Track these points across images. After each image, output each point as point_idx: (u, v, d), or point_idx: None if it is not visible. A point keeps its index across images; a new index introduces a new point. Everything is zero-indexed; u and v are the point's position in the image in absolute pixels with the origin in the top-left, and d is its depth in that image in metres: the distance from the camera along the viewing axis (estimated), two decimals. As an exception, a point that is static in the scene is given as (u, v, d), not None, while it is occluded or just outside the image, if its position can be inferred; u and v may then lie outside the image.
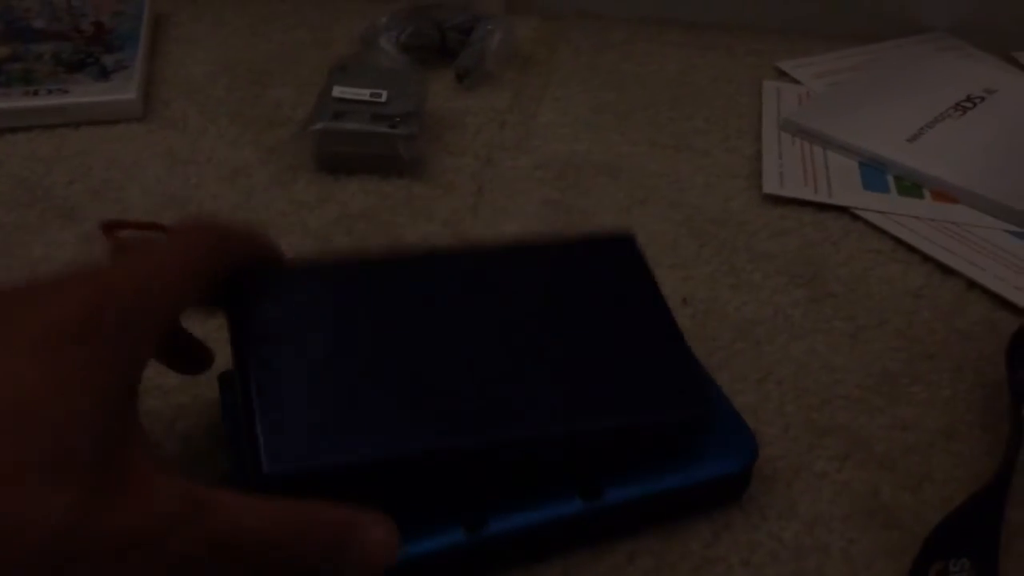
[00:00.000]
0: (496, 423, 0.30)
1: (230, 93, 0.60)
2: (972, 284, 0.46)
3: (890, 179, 0.54)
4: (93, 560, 0.21)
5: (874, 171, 0.54)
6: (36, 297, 0.24)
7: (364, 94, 0.54)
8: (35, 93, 0.55)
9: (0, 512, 0.20)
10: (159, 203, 0.50)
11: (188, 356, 0.34)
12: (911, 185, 0.53)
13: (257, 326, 0.31)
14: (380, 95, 0.53)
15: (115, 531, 0.22)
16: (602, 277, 0.35)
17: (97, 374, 0.23)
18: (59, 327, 0.23)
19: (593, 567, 0.33)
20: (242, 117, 0.57)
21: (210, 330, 0.34)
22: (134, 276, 0.26)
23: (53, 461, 0.21)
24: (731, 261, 0.48)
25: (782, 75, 0.65)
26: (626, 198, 0.52)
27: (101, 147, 0.54)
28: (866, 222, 0.50)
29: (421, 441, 0.29)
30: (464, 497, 0.31)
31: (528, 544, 0.32)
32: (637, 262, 0.36)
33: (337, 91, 0.54)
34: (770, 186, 0.52)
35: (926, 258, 0.48)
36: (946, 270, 0.47)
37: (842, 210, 0.51)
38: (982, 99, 0.59)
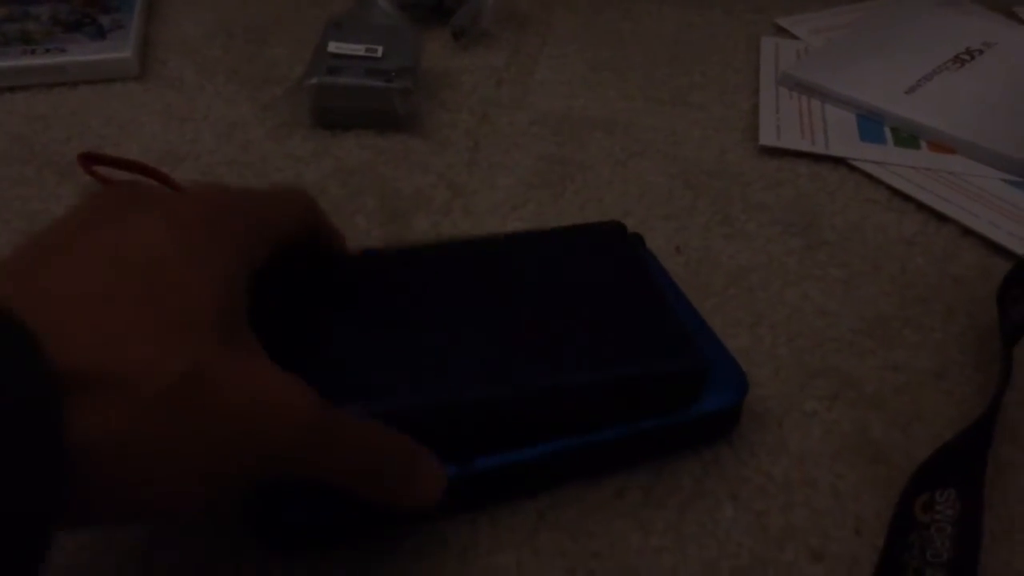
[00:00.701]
0: (497, 379, 0.31)
1: (227, 52, 0.60)
2: (967, 231, 0.46)
3: (887, 131, 0.53)
4: (206, 415, 0.22)
5: (871, 123, 0.54)
6: (171, 194, 0.26)
7: (359, 50, 0.54)
8: (32, 52, 0.56)
9: (130, 359, 0.21)
10: (156, 158, 0.50)
11: None
12: (908, 136, 0.53)
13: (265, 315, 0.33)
14: (376, 51, 0.54)
15: (229, 394, 0.23)
16: (593, 256, 0.37)
17: (223, 253, 0.25)
18: (192, 211, 0.25)
19: (582, 502, 0.33)
20: (239, 75, 0.58)
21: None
22: (255, 198, 0.29)
23: (180, 320, 0.23)
24: (725, 211, 0.48)
25: (780, 31, 0.64)
26: (622, 151, 0.52)
27: (98, 105, 0.54)
28: (862, 172, 0.50)
29: (423, 394, 0.30)
30: (461, 441, 0.31)
31: (517, 480, 0.33)
32: (626, 247, 0.37)
33: (333, 46, 0.54)
34: (766, 138, 0.52)
35: (921, 206, 0.48)
36: (941, 218, 0.47)
37: (838, 161, 0.51)
38: (981, 52, 0.59)
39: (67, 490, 0.20)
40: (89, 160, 0.47)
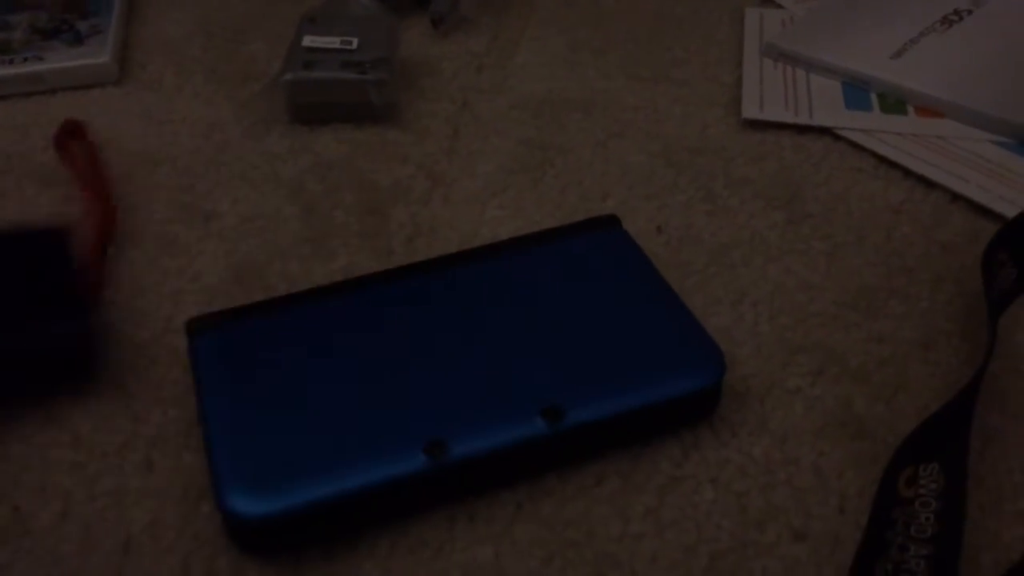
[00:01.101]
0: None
1: (205, 52, 0.60)
2: (955, 196, 0.45)
3: (873, 97, 0.52)
4: None
5: (857, 90, 0.53)
6: None
7: (334, 42, 0.53)
8: (10, 62, 0.56)
9: None
10: (135, 162, 0.50)
11: None
12: (895, 102, 0.52)
13: (217, 372, 0.34)
14: (351, 43, 0.53)
15: None
16: (594, 259, 0.38)
17: None
18: None
19: (559, 491, 0.33)
20: (217, 74, 0.57)
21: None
22: None
23: None
24: (708, 188, 0.47)
25: (766, 2, 0.63)
26: (602, 132, 0.52)
27: (77, 111, 0.54)
28: (848, 141, 0.49)
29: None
30: (424, 419, 0.31)
31: (492, 469, 0.32)
32: (624, 242, 0.39)
33: (307, 41, 0.53)
34: (749, 111, 0.51)
35: (908, 173, 0.47)
36: (929, 184, 0.46)
37: (824, 131, 0.50)
38: (970, 12, 0.57)
39: None
40: (64, 135, 0.48)
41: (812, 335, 0.39)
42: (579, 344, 0.34)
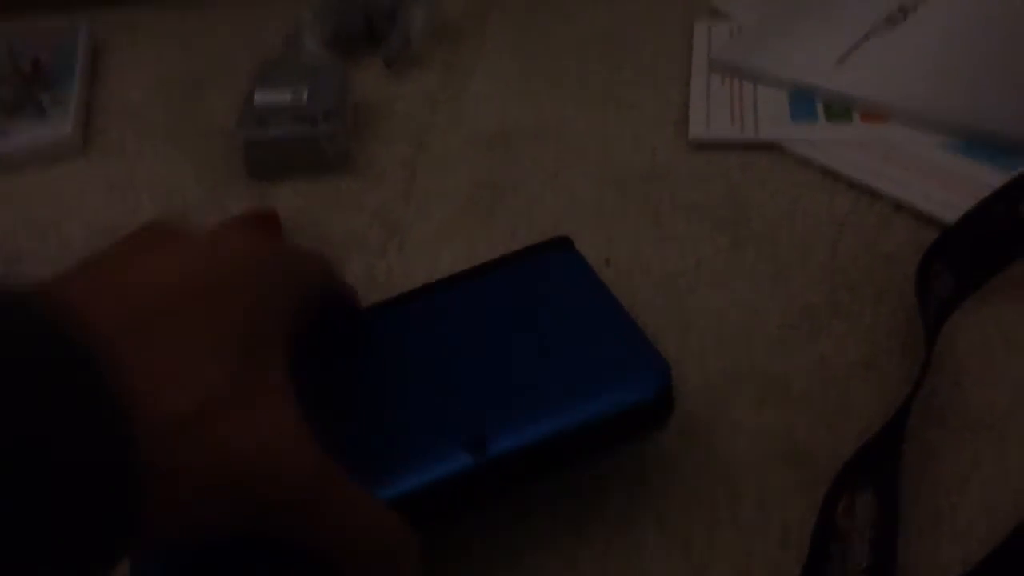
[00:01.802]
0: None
1: (167, 112, 0.61)
2: (899, 206, 0.46)
3: (819, 106, 0.53)
4: (206, 453, 0.23)
5: (803, 101, 0.53)
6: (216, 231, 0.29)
7: (285, 96, 0.54)
8: (-24, 143, 0.57)
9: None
10: (98, 234, 0.51)
11: None
12: (841, 110, 0.52)
13: None
14: (301, 95, 0.54)
15: (234, 433, 0.23)
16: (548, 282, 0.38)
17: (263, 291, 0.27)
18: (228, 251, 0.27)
19: (513, 540, 0.34)
20: (177, 133, 0.58)
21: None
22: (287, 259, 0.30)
23: (203, 350, 0.24)
24: (655, 215, 0.48)
25: (715, 14, 0.63)
26: (554, 163, 0.52)
27: (42, 187, 0.55)
28: (793, 155, 0.50)
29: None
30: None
31: (422, 507, 0.31)
32: (577, 263, 0.38)
33: (259, 97, 0.54)
34: (696, 130, 0.52)
35: (852, 184, 0.47)
36: (873, 194, 0.47)
37: (770, 147, 0.51)
38: (915, 9, 0.57)
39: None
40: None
41: (757, 362, 0.39)
42: (517, 368, 0.33)
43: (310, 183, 0.53)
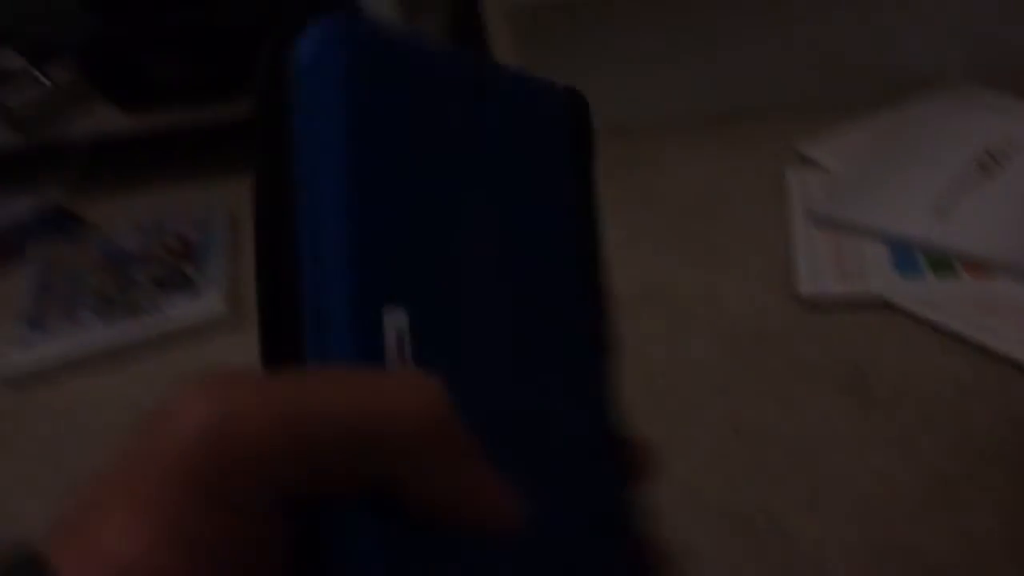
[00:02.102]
0: None
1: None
2: (1018, 366, 0.47)
3: (921, 258, 0.55)
4: None
5: (905, 251, 0.56)
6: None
7: None
8: (141, 323, 0.63)
9: None
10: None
11: None
12: (944, 262, 0.54)
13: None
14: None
15: None
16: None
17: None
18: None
19: None
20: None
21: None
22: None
23: None
24: (775, 377, 0.50)
25: (804, 160, 0.67)
26: (667, 326, 0.56)
27: (197, 362, 0.60)
28: (903, 310, 0.52)
29: None
30: None
31: None
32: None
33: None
34: (806, 288, 0.55)
35: (965, 341, 0.49)
36: (988, 352, 0.49)
37: (879, 303, 0.53)
38: (1006, 155, 0.60)
39: None
40: None
41: (897, 536, 0.41)
42: None
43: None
